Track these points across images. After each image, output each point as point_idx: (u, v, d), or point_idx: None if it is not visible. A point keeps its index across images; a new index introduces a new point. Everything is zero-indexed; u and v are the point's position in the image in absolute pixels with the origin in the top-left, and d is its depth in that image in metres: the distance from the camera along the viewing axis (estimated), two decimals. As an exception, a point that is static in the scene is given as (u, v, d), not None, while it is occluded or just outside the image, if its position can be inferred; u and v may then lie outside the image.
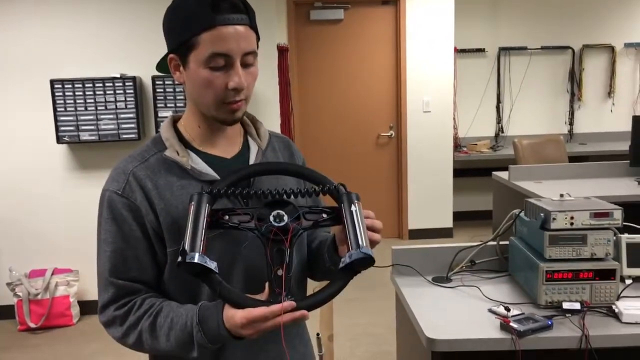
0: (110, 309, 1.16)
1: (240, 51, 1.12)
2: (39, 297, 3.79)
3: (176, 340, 1.10)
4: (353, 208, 1.10)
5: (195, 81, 1.15)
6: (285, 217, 1.08)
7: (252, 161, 1.24)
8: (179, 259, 1.02)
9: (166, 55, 1.20)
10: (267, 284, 1.07)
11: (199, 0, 1.11)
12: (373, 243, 1.11)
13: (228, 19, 1.10)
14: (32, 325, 3.77)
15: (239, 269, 1.18)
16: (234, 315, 1.04)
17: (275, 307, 1.01)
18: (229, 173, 1.16)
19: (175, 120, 1.26)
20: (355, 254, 1.04)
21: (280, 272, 1.05)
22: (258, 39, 1.19)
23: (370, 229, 1.12)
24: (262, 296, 1.06)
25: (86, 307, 3.94)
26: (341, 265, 1.05)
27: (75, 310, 3.90)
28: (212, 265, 1.03)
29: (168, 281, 1.19)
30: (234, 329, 1.05)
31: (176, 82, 3.62)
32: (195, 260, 1.01)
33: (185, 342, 1.10)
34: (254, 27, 1.16)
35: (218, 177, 1.18)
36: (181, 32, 1.13)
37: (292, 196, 1.12)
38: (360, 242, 1.05)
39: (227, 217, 1.09)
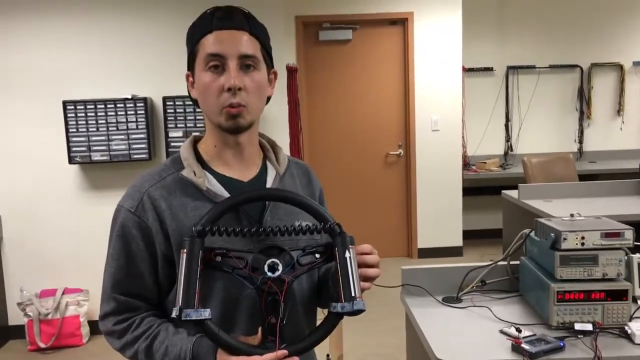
0: (109, 321, 1.19)
1: (236, 53, 1.14)
2: (50, 317, 3.80)
3: None
4: (347, 254, 1.08)
5: (199, 88, 1.19)
6: (280, 267, 1.08)
7: (269, 185, 1.25)
8: (175, 314, 1.02)
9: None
10: (260, 329, 1.07)
11: (203, 14, 1.19)
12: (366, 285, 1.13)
13: (225, 24, 1.16)
14: (42, 345, 3.78)
15: (242, 310, 1.18)
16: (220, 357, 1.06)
17: (268, 357, 1.03)
18: (220, 202, 1.13)
19: (196, 141, 1.27)
20: (347, 306, 1.04)
21: (273, 321, 1.06)
22: (268, 52, 1.22)
23: (364, 274, 1.13)
24: (255, 340, 1.07)
25: (96, 327, 3.93)
26: (331, 309, 1.06)
27: (85, 330, 3.91)
28: (205, 314, 1.03)
29: (170, 303, 1.19)
30: None
31: (187, 102, 3.72)
32: (192, 318, 1.02)
33: None
34: (256, 36, 1.18)
35: None
36: (189, 47, 1.20)
37: (285, 234, 1.10)
38: (352, 294, 1.05)
39: (219, 258, 1.08)
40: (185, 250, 1.06)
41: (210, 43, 1.15)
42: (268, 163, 1.29)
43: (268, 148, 1.31)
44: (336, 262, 1.08)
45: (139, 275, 1.18)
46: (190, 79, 1.22)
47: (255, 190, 1.18)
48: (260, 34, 1.20)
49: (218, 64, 1.14)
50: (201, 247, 1.06)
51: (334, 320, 1.07)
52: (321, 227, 1.11)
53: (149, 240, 1.16)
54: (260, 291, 1.07)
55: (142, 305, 1.19)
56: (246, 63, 1.16)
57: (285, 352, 1.03)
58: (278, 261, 1.08)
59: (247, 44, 1.16)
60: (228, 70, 1.14)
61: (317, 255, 1.12)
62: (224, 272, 1.09)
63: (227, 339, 1.05)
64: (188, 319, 1.02)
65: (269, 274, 1.07)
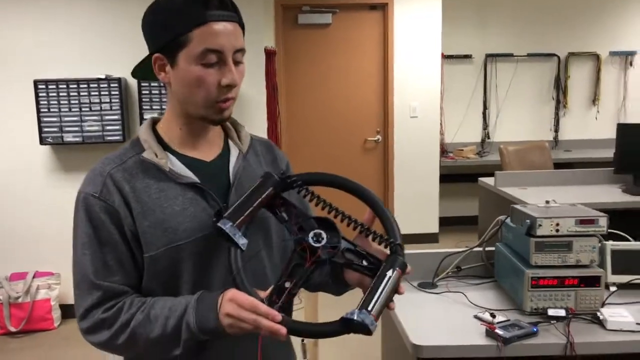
0: (96, 313, 1.11)
1: (232, 48, 1.11)
2: (20, 300, 3.73)
3: (171, 328, 1.07)
4: (389, 273, 1.04)
5: (185, 79, 1.13)
6: (324, 241, 1.06)
7: (232, 164, 1.22)
8: (214, 217, 1.06)
9: (145, 59, 1.18)
10: (271, 287, 1.04)
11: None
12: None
13: (219, 15, 1.10)
14: (12, 329, 3.71)
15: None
16: (228, 291, 1.04)
17: (264, 308, 0.99)
18: (310, 173, 1.16)
19: (154, 123, 1.24)
20: (361, 316, 0.98)
21: (287, 285, 1.04)
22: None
23: (389, 302, 1.05)
24: (262, 294, 1.04)
25: (68, 311, 3.89)
26: (343, 316, 1.01)
27: (56, 314, 3.85)
28: (241, 241, 1.05)
29: (146, 287, 1.15)
30: (222, 304, 1.04)
31: (162, 84, 3.65)
32: (224, 228, 1.04)
33: (178, 327, 1.07)
34: (242, 25, 1.16)
35: (197, 180, 1.16)
36: (169, 31, 1.12)
37: (351, 225, 1.11)
38: (368, 307, 1.00)
39: (283, 208, 1.12)
40: (260, 179, 1.12)
41: (206, 37, 1.09)
42: (230, 142, 1.27)
43: (230, 127, 1.29)
44: (376, 273, 1.05)
45: (118, 260, 1.12)
46: (161, 62, 1.15)
47: (358, 184, 1.16)
48: (242, 20, 1.16)
49: (216, 59, 1.10)
50: (275, 187, 1.11)
51: (337, 327, 1.01)
52: (385, 239, 1.09)
53: (119, 223, 1.12)
54: (292, 250, 1.07)
55: (127, 290, 1.13)
56: (238, 58, 1.13)
57: (279, 317, 0.99)
58: (325, 235, 1.07)
59: (239, 37, 1.13)
60: (227, 67, 1.11)
61: (364, 262, 1.09)
62: (277, 219, 1.12)
63: (242, 275, 1.04)
64: (222, 227, 1.04)
65: (311, 240, 1.06)
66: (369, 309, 0.99)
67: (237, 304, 1.01)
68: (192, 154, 1.20)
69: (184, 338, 1.07)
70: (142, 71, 1.22)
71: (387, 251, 1.10)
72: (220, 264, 1.15)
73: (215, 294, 1.07)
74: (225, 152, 1.25)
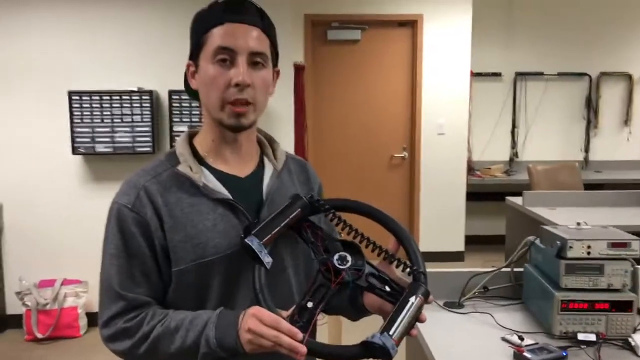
0: (118, 322, 1.12)
1: (247, 48, 1.12)
2: (48, 307, 3.78)
3: (191, 341, 1.07)
4: (412, 299, 1.04)
5: (202, 80, 1.16)
6: (348, 264, 1.07)
7: (265, 182, 1.22)
8: (242, 234, 1.07)
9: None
10: (294, 307, 1.04)
11: (214, 4, 1.15)
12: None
13: (237, 17, 1.13)
14: (40, 335, 3.77)
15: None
16: (250, 308, 1.04)
17: (286, 325, 0.99)
18: (340, 198, 1.18)
19: (191, 136, 1.25)
20: (383, 339, 0.98)
21: (309, 305, 1.04)
22: (275, 50, 1.20)
23: (410, 329, 1.04)
24: (284, 314, 1.04)
25: (94, 319, 3.93)
26: (365, 339, 1.00)
27: (82, 321, 3.89)
28: (266, 259, 1.06)
29: (172, 302, 1.16)
30: (244, 319, 1.03)
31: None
32: (252, 245, 1.06)
33: (197, 341, 1.07)
34: (267, 33, 1.16)
35: (229, 196, 1.16)
36: (194, 35, 1.17)
37: (376, 251, 1.12)
38: (390, 331, 0.99)
39: (309, 230, 1.13)
40: (289, 200, 1.14)
41: (221, 35, 1.12)
42: (265, 159, 1.27)
43: (265, 144, 1.29)
44: (398, 300, 1.05)
45: (144, 273, 1.14)
46: (192, 68, 1.19)
47: (384, 213, 1.18)
48: (270, 31, 1.18)
49: (227, 57, 1.12)
50: (303, 208, 1.13)
51: (358, 351, 1.00)
52: (409, 266, 1.10)
53: (149, 236, 1.13)
54: (317, 270, 1.07)
55: (151, 301, 1.15)
56: (255, 60, 1.13)
57: (300, 335, 0.99)
58: (349, 258, 1.07)
59: (258, 40, 1.13)
60: (237, 66, 1.11)
61: (387, 288, 1.09)
62: (303, 241, 1.13)
63: (266, 292, 1.05)
64: (249, 243, 1.05)
65: (335, 262, 1.06)
66: (391, 333, 0.99)
67: (259, 320, 1.01)
68: (227, 169, 1.20)
69: (202, 352, 1.07)
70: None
71: (410, 280, 1.10)
72: (247, 282, 1.15)
73: (237, 311, 1.07)
74: (260, 169, 1.25)
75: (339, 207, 1.16)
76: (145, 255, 1.13)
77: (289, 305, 1.07)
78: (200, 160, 1.20)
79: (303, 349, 0.98)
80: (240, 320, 1.05)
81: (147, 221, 1.13)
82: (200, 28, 1.16)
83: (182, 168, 1.16)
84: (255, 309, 1.03)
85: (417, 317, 1.04)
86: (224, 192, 1.16)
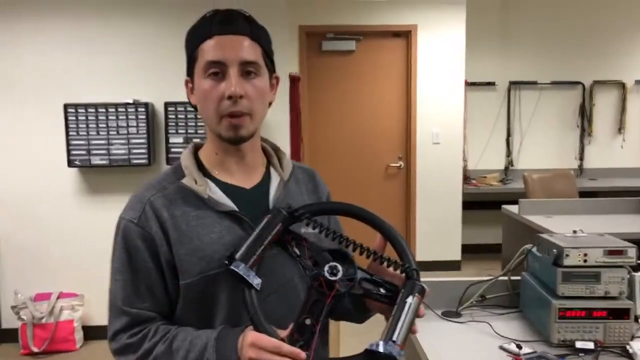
0: (122, 337, 1.13)
1: (237, 59, 1.11)
2: (43, 321, 3.76)
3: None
4: (409, 300, 1.03)
5: (198, 95, 1.16)
6: (340, 274, 1.05)
7: (272, 192, 1.22)
8: (226, 261, 1.04)
9: None
10: (291, 326, 1.03)
11: (203, 18, 1.16)
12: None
13: (225, 28, 1.12)
14: (35, 349, 3.74)
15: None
16: (248, 334, 1.02)
17: (288, 348, 0.98)
18: (316, 203, 1.18)
19: (197, 148, 1.25)
20: (381, 345, 0.97)
21: (307, 322, 1.03)
22: (269, 56, 1.19)
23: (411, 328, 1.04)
24: (282, 334, 1.03)
25: (90, 333, 3.91)
26: (367, 347, 0.99)
27: (79, 335, 3.87)
28: (255, 281, 1.03)
29: (180, 315, 1.16)
30: (243, 347, 1.02)
31: (188, 108, 3.72)
32: (238, 271, 1.03)
33: None
34: (257, 41, 1.15)
35: (236, 208, 1.15)
36: (187, 51, 1.18)
37: (364, 254, 1.10)
38: (393, 337, 0.99)
39: (294, 242, 1.10)
40: (269, 216, 1.10)
41: (210, 49, 1.12)
42: (272, 169, 1.26)
43: (271, 153, 1.29)
44: (396, 302, 1.04)
45: (149, 288, 1.14)
46: (190, 84, 1.19)
47: (365, 210, 1.17)
48: (261, 38, 1.17)
49: (218, 71, 1.11)
50: (283, 222, 1.09)
51: (365, 359, 0.99)
52: (400, 264, 1.09)
53: (154, 250, 1.13)
54: (310, 286, 1.05)
55: (155, 316, 1.14)
56: (247, 70, 1.13)
57: (303, 355, 0.98)
58: (340, 268, 1.06)
59: (248, 49, 1.13)
60: (229, 78, 1.11)
61: (382, 290, 1.08)
62: (289, 255, 1.10)
63: (260, 314, 1.02)
64: (235, 269, 1.02)
65: (327, 274, 1.04)
66: (394, 339, 0.98)
67: (259, 348, 1.00)
68: (232, 181, 1.20)
69: None
70: None
71: (402, 275, 1.09)
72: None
73: (235, 332, 1.06)
74: (266, 179, 1.24)
75: (318, 212, 1.14)
76: (150, 270, 1.13)
77: (284, 319, 1.06)
78: (206, 173, 1.20)
79: None
80: (239, 346, 1.03)
81: (152, 235, 1.13)
82: (191, 44, 1.16)
83: (187, 181, 1.16)
84: (253, 337, 1.01)
85: (416, 315, 1.04)
86: (230, 204, 1.16)
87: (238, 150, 1.20)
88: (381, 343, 0.98)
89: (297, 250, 1.10)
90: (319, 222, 1.12)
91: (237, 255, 1.04)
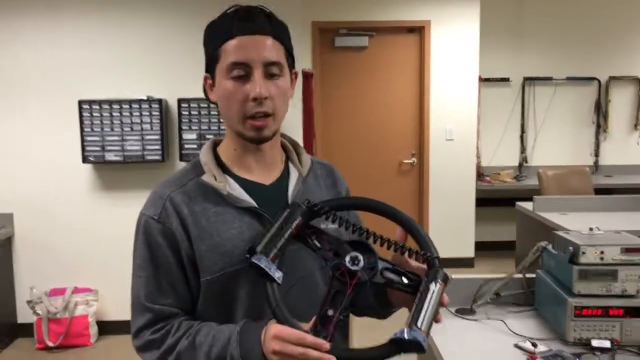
0: (145, 333, 1.13)
1: (261, 60, 1.10)
2: (58, 315, 3.79)
3: (215, 356, 1.07)
4: (433, 287, 1.02)
5: (220, 95, 1.15)
6: (361, 264, 1.04)
7: (291, 188, 1.21)
8: (247, 254, 1.04)
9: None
10: (314, 318, 1.03)
11: (223, 15, 1.14)
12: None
13: (247, 27, 1.11)
14: (50, 344, 3.78)
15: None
16: (271, 327, 1.02)
17: (311, 339, 0.98)
18: (334, 198, 1.19)
19: (215, 144, 1.24)
20: (413, 334, 0.96)
21: (330, 313, 1.02)
22: (290, 54, 1.18)
23: (436, 315, 1.03)
24: (305, 326, 1.02)
25: (105, 328, 3.93)
26: (393, 337, 0.99)
27: (93, 330, 3.90)
28: (277, 274, 1.03)
29: (201, 310, 1.16)
30: (266, 340, 1.02)
31: (202, 105, 3.72)
32: (260, 264, 1.02)
33: (223, 357, 1.06)
34: (279, 39, 1.14)
35: (255, 204, 1.15)
36: (207, 49, 1.16)
37: (385, 245, 1.09)
38: (417, 322, 0.98)
39: (314, 237, 1.10)
40: (288, 210, 1.10)
41: (233, 50, 1.10)
42: (290, 165, 1.26)
43: (290, 149, 1.28)
44: (419, 290, 1.04)
45: (171, 284, 1.14)
46: (209, 81, 1.18)
47: (384, 203, 1.15)
48: (283, 35, 1.16)
49: (243, 72, 1.10)
50: (302, 216, 1.09)
51: (387, 349, 0.99)
52: (422, 254, 1.08)
53: (176, 246, 1.13)
54: (331, 276, 1.05)
55: (178, 312, 1.15)
56: (271, 71, 1.12)
57: (327, 346, 0.97)
58: (361, 257, 1.05)
59: (271, 49, 1.12)
60: (253, 79, 1.10)
61: (404, 280, 1.07)
62: (309, 248, 1.09)
63: (282, 307, 1.02)
64: (257, 262, 1.02)
65: (348, 264, 1.04)
66: (419, 325, 0.97)
67: (283, 340, 0.99)
68: (251, 177, 1.19)
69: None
70: None
71: (425, 266, 1.09)
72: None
73: (258, 326, 1.06)
74: (285, 175, 1.24)
75: (336, 207, 1.13)
76: (171, 265, 1.14)
77: (308, 312, 1.06)
78: (225, 169, 1.19)
79: (332, 359, 0.97)
80: (262, 338, 1.03)
81: (173, 231, 1.13)
82: (212, 42, 1.14)
83: (206, 177, 1.16)
84: (277, 329, 1.01)
85: (440, 303, 1.03)
86: (249, 200, 1.16)
87: (258, 149, 1.19)
88: (406, 330, 0.97)
89: (317, 243, 1.09)
90: (338, 215, 1.11)
91: (258, 248, 1.04)
